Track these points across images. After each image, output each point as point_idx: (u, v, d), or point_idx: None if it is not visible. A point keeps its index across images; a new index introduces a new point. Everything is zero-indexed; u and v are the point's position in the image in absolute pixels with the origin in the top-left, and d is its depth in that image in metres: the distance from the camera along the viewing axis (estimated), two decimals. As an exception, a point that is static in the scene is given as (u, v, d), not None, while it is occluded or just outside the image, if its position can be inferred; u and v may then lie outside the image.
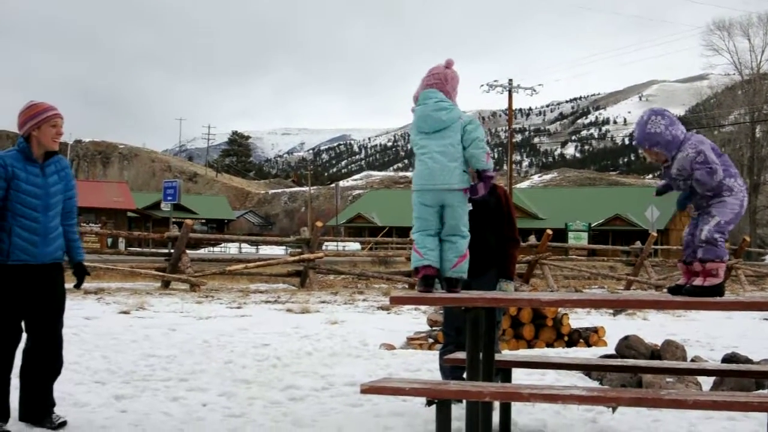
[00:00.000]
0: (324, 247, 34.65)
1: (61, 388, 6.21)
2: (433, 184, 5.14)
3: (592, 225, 63.44)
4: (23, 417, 5.78)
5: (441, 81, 5.32)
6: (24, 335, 5.79)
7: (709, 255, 4.81)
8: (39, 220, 5.69)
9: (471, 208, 6.85)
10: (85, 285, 17.76)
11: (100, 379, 7.58)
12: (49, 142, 5.75)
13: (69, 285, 6.04)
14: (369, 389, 4.81)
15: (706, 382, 7.50)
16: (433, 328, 11.44)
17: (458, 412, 5.64)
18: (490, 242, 6.87)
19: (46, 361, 5.83)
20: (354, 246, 56.94)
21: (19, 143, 5.77)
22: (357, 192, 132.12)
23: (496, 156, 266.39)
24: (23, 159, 5.70)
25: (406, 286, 23.22)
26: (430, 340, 11.04)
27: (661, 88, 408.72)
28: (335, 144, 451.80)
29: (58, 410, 5.90)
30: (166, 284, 20.26)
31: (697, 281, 4.88)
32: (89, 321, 11.86)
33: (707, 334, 12.60)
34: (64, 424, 5.78)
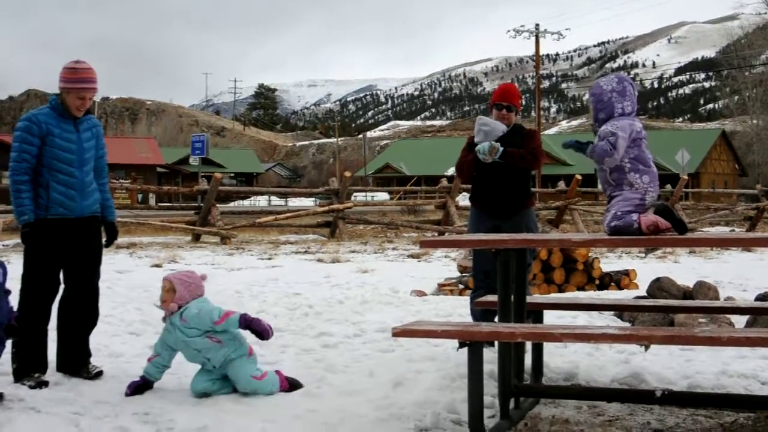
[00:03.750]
0: (353, 198, 34.69)
1: (96, 339, 6.28)
2: None
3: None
4: (60, 367, 5.88)
5: None
6: (61, 287, 5.88)
7: (621, 233, 4.92)
8: (75, 174, 5.79)
9: (501, 147, 6.84)
10: (118, 240, 17.96)
11: (135, 331, 7.65)
12: (72, 108, 5.84)
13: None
14: (401, 332, 4.83)
15: (739, 322, 7.46)
16: (464, 274, 11.45)
17: (489, 356, 5.65)
18: (519, 184, 6.85)
19: (83, 313, 5.93)
20: (383, 196, 56.95)
21: (52, 100, 5.88)
22: (384, 142, 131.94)
23: (524, 102, 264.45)
24: (56, 116, 5.81)
25: (436, 235, 23.23)
26: (461, 286, 11.05)
27: (691, 30, 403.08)
28: (362, 95, 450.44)
29: (95, 360, 5.99)
30: (196, 237, 20.40)
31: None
32: (122, 274, 11.97)
33: (740, 275, 12.53)
34: (100, 374, 5.87)
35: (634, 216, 4.87)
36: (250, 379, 5.46)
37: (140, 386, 5.51)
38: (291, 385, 5.60)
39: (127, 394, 5.44)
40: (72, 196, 5.77)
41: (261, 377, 5.50)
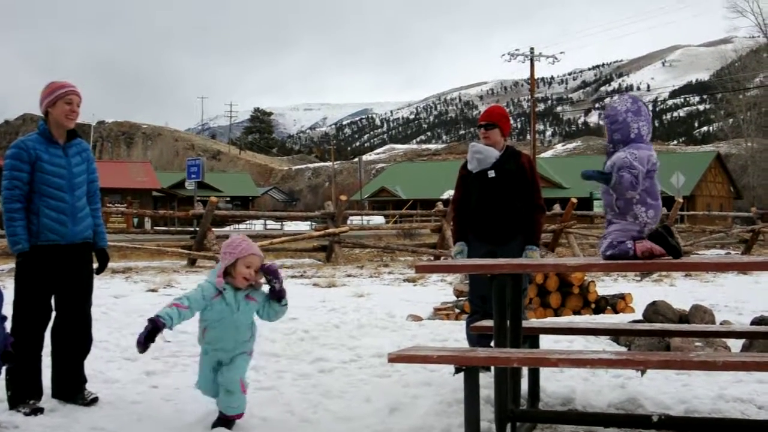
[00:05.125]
0: (349, 222, 34.68)
1: (91, 365, 6.26)
2: None
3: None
4: (56, 394, 5.85)
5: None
6: (53, 314, 5.85)
7: (616, 258, 4.95)
8: (66, 200, 5.75)
9: (494, 175, 6.87)
10: (113, 264, 17.89)
11: (130, 356, 7.62)
12: (62, 118, 5.78)
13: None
14: (397, 358, 4.82)
15: (735, 346, 7.46)
16: (460, 299, 11.45)
17: (486, 380, 5.65)
18: (515, 210, 6.86)
19: (76, 339, 5.89)
20: (378, 219, 56.95)
21: (40, 126, 5.84)
22: (380, 166, 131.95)
23: (518, 126, 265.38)
24: (45, 141, 5.77)
25: (432, 258, 23.22)
26: (457, 311, 11.05)
27: (685, 53, 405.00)
28: (357, 118, 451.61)
29: (90, 387, 5.96)
30: (192, 262, 20.36)
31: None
32: (118, 299, 11.94)
33: (735, 299, 12.52)
34: (95, 400, 5.84)
35: (629, 244, 4.88)
36: (238, 381, 5.29)
37: (151, 331, 5.01)
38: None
39: (142, 345, 5.00)
40: (63, 221, 5.73)
41: (244, 389, 5.35)
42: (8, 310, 5.45)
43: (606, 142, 5.21)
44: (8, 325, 5.39)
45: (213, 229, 21.66)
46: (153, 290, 13.62)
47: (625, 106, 5.11)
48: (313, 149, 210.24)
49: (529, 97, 62.19)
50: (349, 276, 17.31)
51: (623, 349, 7.67)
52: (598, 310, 11.54)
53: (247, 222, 60.96)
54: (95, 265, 6.11)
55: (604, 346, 7.86)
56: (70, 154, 5.84)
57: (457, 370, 6.15)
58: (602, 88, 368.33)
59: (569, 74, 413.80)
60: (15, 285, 5.72)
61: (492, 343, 5.73)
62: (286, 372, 7.00)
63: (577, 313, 11.39)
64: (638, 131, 5.06)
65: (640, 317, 8.81)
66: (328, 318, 10.38)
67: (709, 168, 77.18)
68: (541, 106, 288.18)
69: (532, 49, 59.57)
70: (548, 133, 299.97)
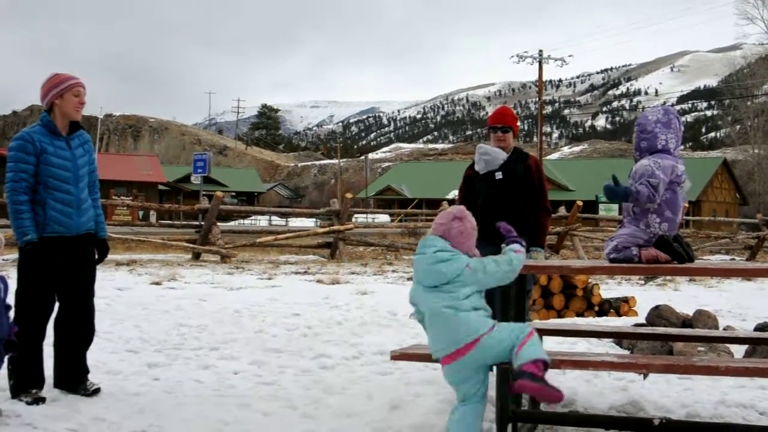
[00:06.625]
0: (354, 219, 34.67)
1: (94, 356, 6.27)
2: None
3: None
4: (58, 384, 5.86)
5: (445, 231, 4.79)
6: (55, 305, 5.86)
7: (620, 262, 4.97)
8: (71, 192, 5.76)
9: (501, 177, 6.87)
10: (118, 257, 17.93)
11: (133, 348, 7.65)
12: (71, 110, 5.79)
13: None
14: (399, 356, 4.83)
15: (738, 352, 7.45)
16: (463, 299, 11.42)
17: (488, 380, 5.64)
18: (521, 211, 6.86)
19: (79, 330, 5.90)
20: (383, 218, 56.98)
21: (43, 117, 5.81)
22: (386, 164, 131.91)
23: (525, 127, 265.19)
24: (48, 133, 5.76)
25: (436, 258, 23.18)
26: (460, 310, 11.03)
27: (693, 59, 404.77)
28: (364, 116, 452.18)
29: (92, 378, 5.98)
30: (196, 256, 20.37)
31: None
32: (121, 292, 11.95)
33: (739, 305, 12.50)
34: (97, 391, 5.85)
35: (634, 250, 4.87)
36: None
37: None
38: None
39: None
40: (69, 213, 5.74)
41: None
42: (11, 300, 5.46)
43: (633, 149, 5.23)
44: (12, 315, 5.42)
45: (218, 223, 21.66)
46: (157, 283, 13.63)
47: (656, 116, 5.13)
48: (319, 146, 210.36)
49: (537, 99, 62.15)
50: (352, 273, 17.29)
51: (626, 352, 7.66)
52: (601, 313, 11.53)
53: (252, 217, 61.04)
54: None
55: (606, 348, 7.85)
56: (73, 146, 5.85)
57: (459, 370, 6.14)
58: (610, 92, 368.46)
59: (577, 77, 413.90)
60: (18, 275, 5.71)
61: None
62: (288, 367, 7.01)
63: (580, 315, 11.38)
64: (665, 143, 5.06)
65: (643, 321, 8.80)
66: (330, 315, 10.37)
67: (716, 174, 77.08)
68: (548, 109, 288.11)
69: (540, 51, 59.52)
70: (555, 135, 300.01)
